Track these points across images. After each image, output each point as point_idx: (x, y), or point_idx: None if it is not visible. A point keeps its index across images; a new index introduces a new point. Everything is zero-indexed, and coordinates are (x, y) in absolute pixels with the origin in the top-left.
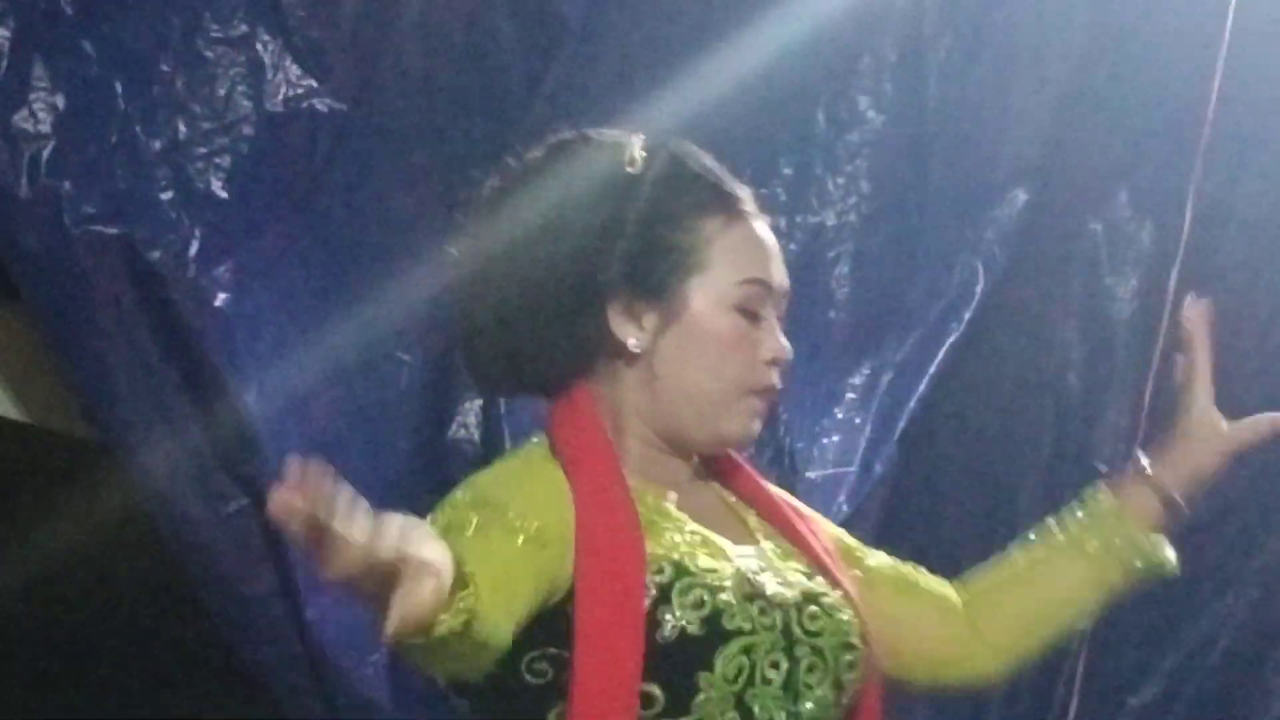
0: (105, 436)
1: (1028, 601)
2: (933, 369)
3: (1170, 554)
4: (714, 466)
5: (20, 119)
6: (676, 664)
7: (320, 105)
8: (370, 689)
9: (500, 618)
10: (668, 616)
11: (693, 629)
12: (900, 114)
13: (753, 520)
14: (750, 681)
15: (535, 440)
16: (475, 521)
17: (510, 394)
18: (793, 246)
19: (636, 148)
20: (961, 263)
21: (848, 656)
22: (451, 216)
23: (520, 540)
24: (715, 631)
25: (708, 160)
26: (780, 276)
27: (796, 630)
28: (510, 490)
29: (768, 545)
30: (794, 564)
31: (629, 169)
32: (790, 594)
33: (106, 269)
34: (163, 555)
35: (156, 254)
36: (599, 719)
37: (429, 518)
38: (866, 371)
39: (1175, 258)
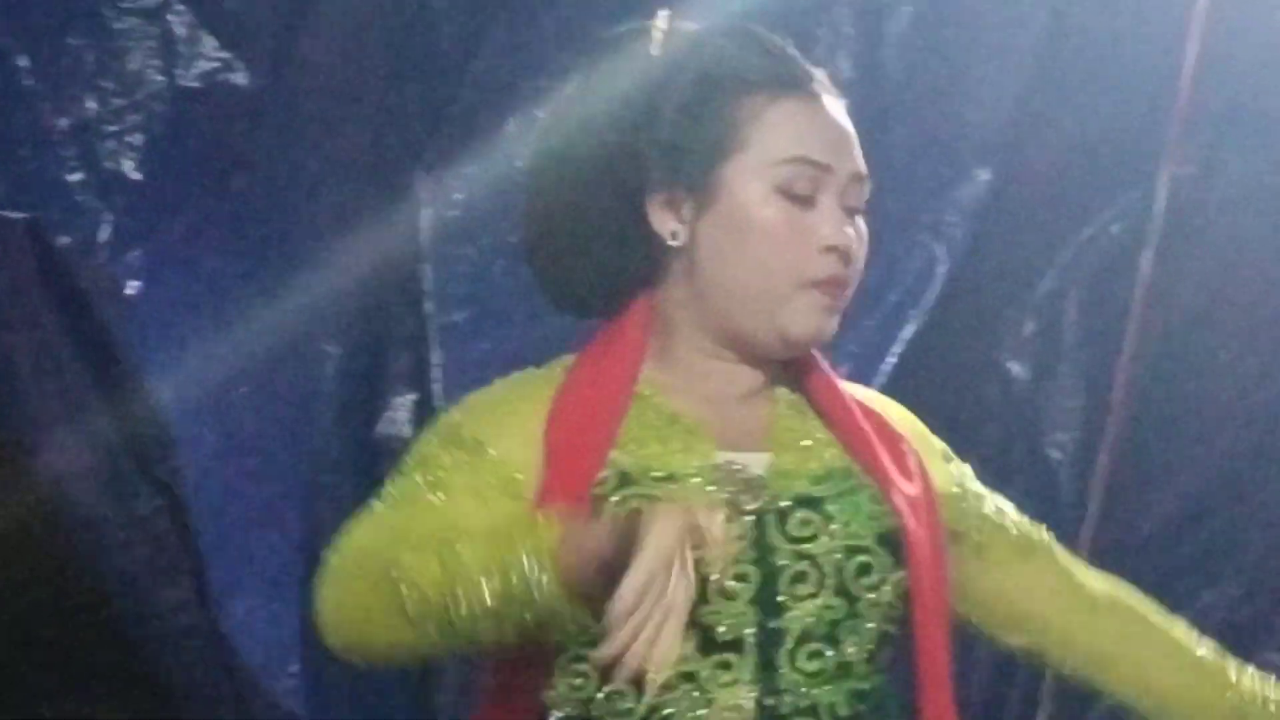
0: (7, 434)
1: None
2: (891, 353)
3: None
4: (798, 375)
5: None
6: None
7: (238, 79)
8: (288, 700)
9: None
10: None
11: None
12: (857, 89)
13: (805, 432)
14: (701, 598)
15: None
16: (443, 464)
17: (581, 313)
18: None
19: (658, 29)
20: (921, 245)
21: (855, 562)
22: (382, 195)
23: (474, 499)
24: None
25: (759, 35)
26: (840, 157)
27: (775, 538)
28: (483, 427)
29: (780, 456)
30: (804, 471)
31: (653, 52)
32: (769, 502)
33: (10, 255)
34: (69, 559)
35: (64, 239)
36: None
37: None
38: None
39: (1147, 240)
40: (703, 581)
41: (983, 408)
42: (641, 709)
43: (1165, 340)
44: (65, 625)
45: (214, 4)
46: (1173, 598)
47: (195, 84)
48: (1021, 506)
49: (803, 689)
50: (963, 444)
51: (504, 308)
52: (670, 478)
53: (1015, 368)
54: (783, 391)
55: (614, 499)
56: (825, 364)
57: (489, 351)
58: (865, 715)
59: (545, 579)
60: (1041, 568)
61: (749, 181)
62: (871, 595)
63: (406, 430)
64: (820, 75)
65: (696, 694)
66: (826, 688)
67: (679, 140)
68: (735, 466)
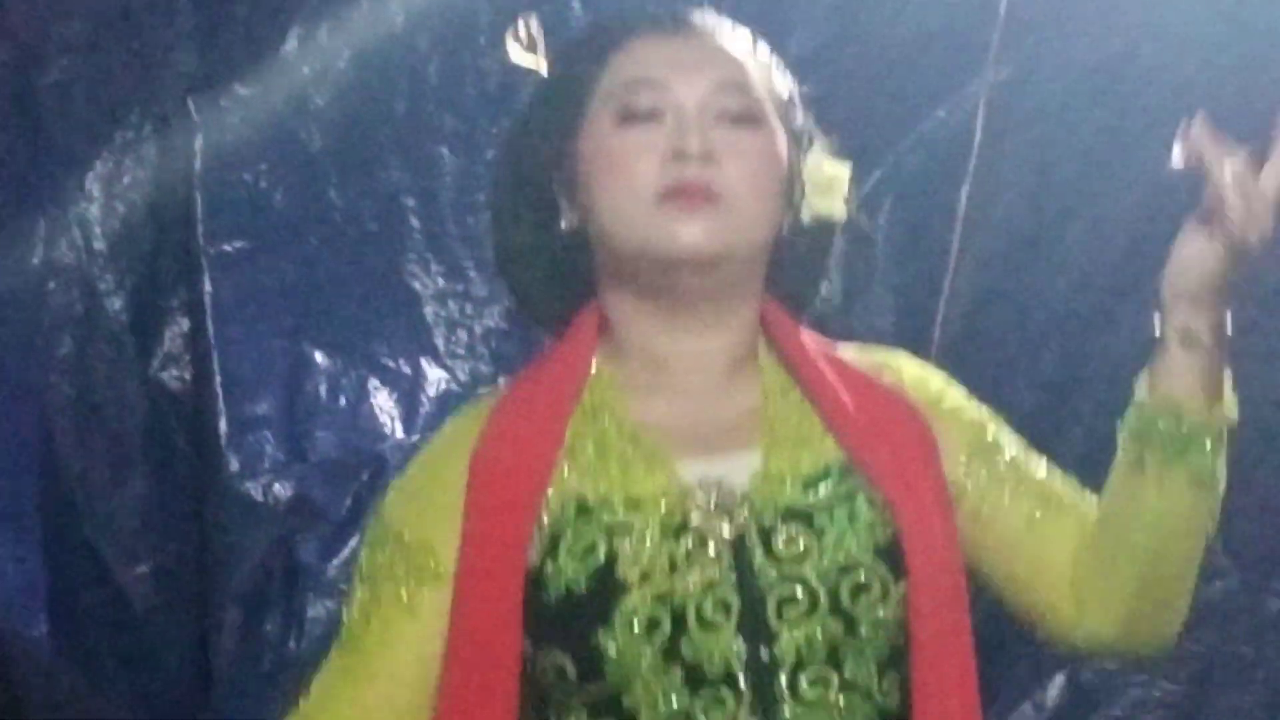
0: None
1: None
2: None
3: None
4: (779, 341)
5: None
6: (568, 627)
7: None
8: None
9: None
10: (553, 572)
11: (577, 586)
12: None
13: (797, 420)
14: (680, 631)
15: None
16: (381, 576)
17: (549, 326)
18: None
19: (515, 35)
20: None
21: (849, 580)
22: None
23: (423, 605)
24: (608, 586)
25: (622, 12)
26: (689, 71)
27: (758, 559)
28: (405, 514)
29: (771, 457)
30: (796, 472)
31: (521, 61)
32: (750, 520)
33: None
34: None
35: None
36: (475, 695)
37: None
38: None
39: (966, 151)
40: (680, 613)
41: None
42: None
43: (987, 250)
44: None
45: None
46: None
47: None
48: None
49: (808, 718)
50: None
51: (274, 236)
52: (632, 504)
53: (825, 285)
54: (771, 370)
55: (570, 533)
56: (803, 332)
57: (262, 282)
58: None
59: None
60: (1063, 528)
61: (595, 125)
62: (871, 615)
63: (182, 362)
64: (698, 13)
65: None
66: (835, 714)
67: (544, 128)
68: (710, 479)
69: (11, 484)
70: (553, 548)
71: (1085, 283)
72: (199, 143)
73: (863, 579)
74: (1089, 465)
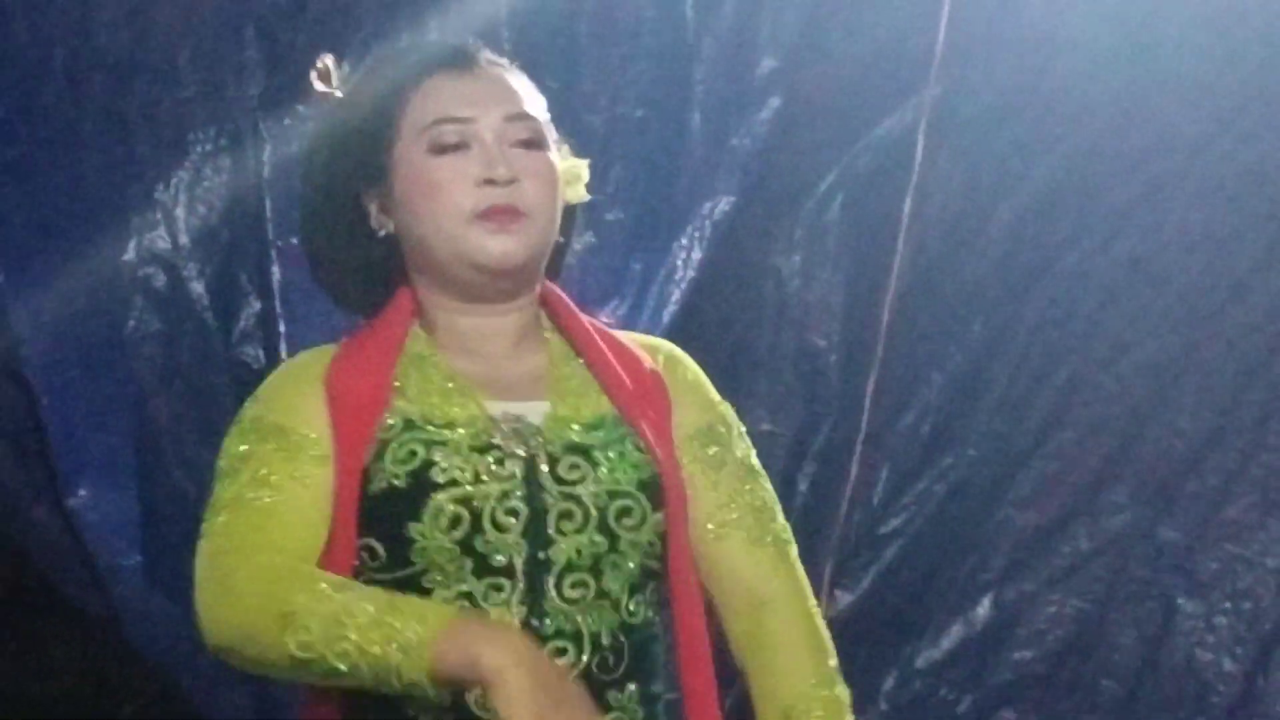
0: None
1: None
2: (693, 270)
3: None
4: (559, 318)
5: None
6: (385, 516)
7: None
8: (132, 581)
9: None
10: (379, 471)
11: (398, 482)
12: (661, 28)
13: (567, 375)
14: (476, 528)
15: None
16: (258, 458)
17: (357, 310)
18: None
19: (316, 73)
20: (725, 161)
21: (616, 504)
22: (226, 134)
23: (292, 480)
24: (422, 484)
25: (416, 42)
26: (486, 107)
27: (545, 479)
28: (278, 410)
29: (557, 406)
30: (579, 418)
31: (321, 90)
32: (542, 444)
33: None
34: None
35: None
36: (330, 567)
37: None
38: (639, 268)
39: (911, 155)
40: (478, 515)
41: (759, 307)
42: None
43: (928, 244)
44: None
45: None
46: (930, 463)
47: None
48: (793, 391)
49: (564, 614)
50: (742, 338)
51: None
52: (449, 425)
53: (786, 269)
54: (555, 341)
55: (396, 442)
56: (582, 314)
57: None
58: (628, 649)
59: (419, 659)
60: (762, 558)
61: (408, 154)
62: (631, 535)
63: (256, 338)
64: (480, 52)
65: (468, 609)
66: (590, 616)
67: (355, 151)
68: (510, 414)
69: (112, 439)
70: (381, 453)
71: (1007, 264)
72: (267, 154)
73: (627, 505)
74: (1008, 410)
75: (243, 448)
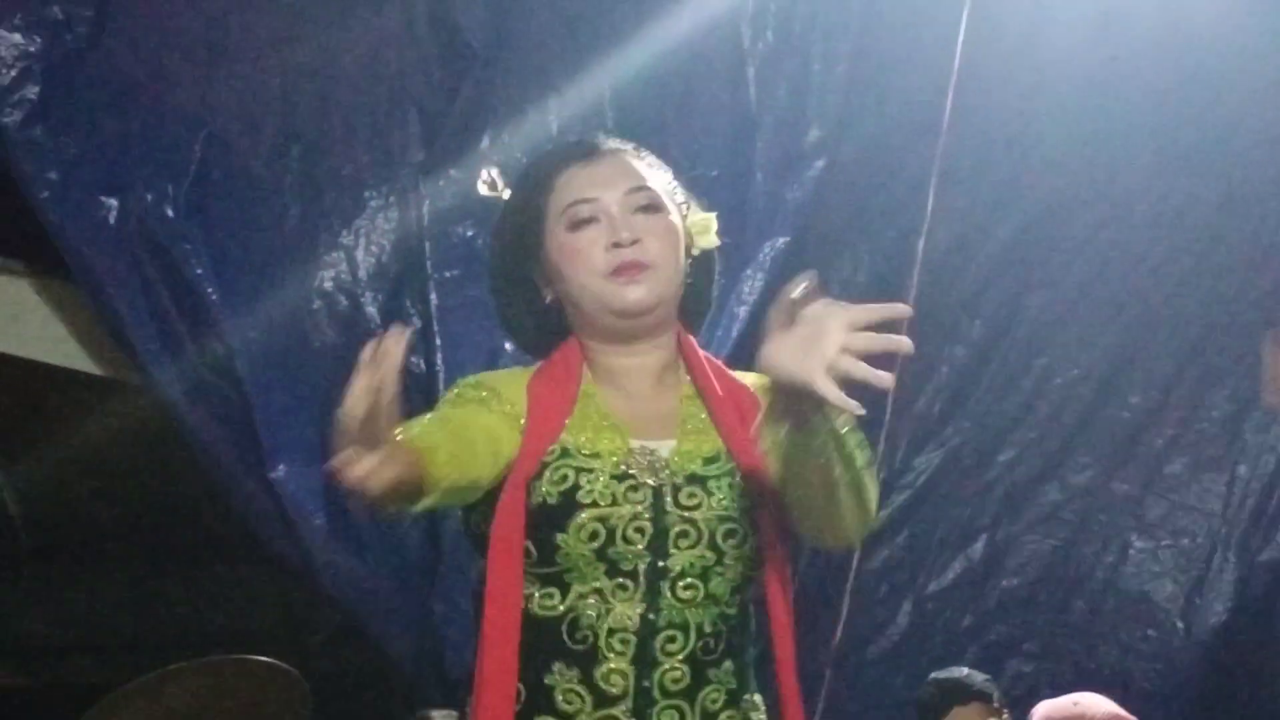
0: (132, 371)
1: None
2: (756, 295)
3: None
4: (689, 362)
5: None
6: (541, 525)
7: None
8: (318, 539)
9: (448, 469)
10: (538, 488)
11: (551, 498)
12: (730, 107)
13: (696, 415)
14: (610, 542)
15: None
16: (467, 397)
17: (533, 353)
18: None
19: (492, 184)
20: (781, 210)
21: (724, 527)
22: (395, 191)
23: (487, 413)
24: (570, 502)
25: (557, 143)
26: (607, 186)
27: (669, 504)
28: (494, 383)
29: (683, 443)
30: (700, 454)
31: (489, 194)
32: (669, 476)
33: (125, 237)
34: (179, 449)
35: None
36: (498, 560)
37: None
38: (715, 294)
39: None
40: (612, 531)
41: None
42: (563, 608)
43: (936, 264)
44: (172, 495)
45: None
46: (936, 435)
47: None
48: None
49: (676, 610)
50: None
51: (478, 268)
52: (595, 455)
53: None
54: (686, 384)
55: (553, 466)
56: (707, 360)
57: (475, 297)
58: (725, 634)
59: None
60: None
61: (554, 232)
62: (735, 551)
63: (417, 349)
64: (605, 143)
65: (601, 604)
66: (696, 611)
67: (521, 244)
68: (646, 449)
69: (304, 427)
70: (541, 472)
71: (1000, 279)
72: (426, 207)
73: (733, 528)
74: (998, 391)
75: (453, 393)
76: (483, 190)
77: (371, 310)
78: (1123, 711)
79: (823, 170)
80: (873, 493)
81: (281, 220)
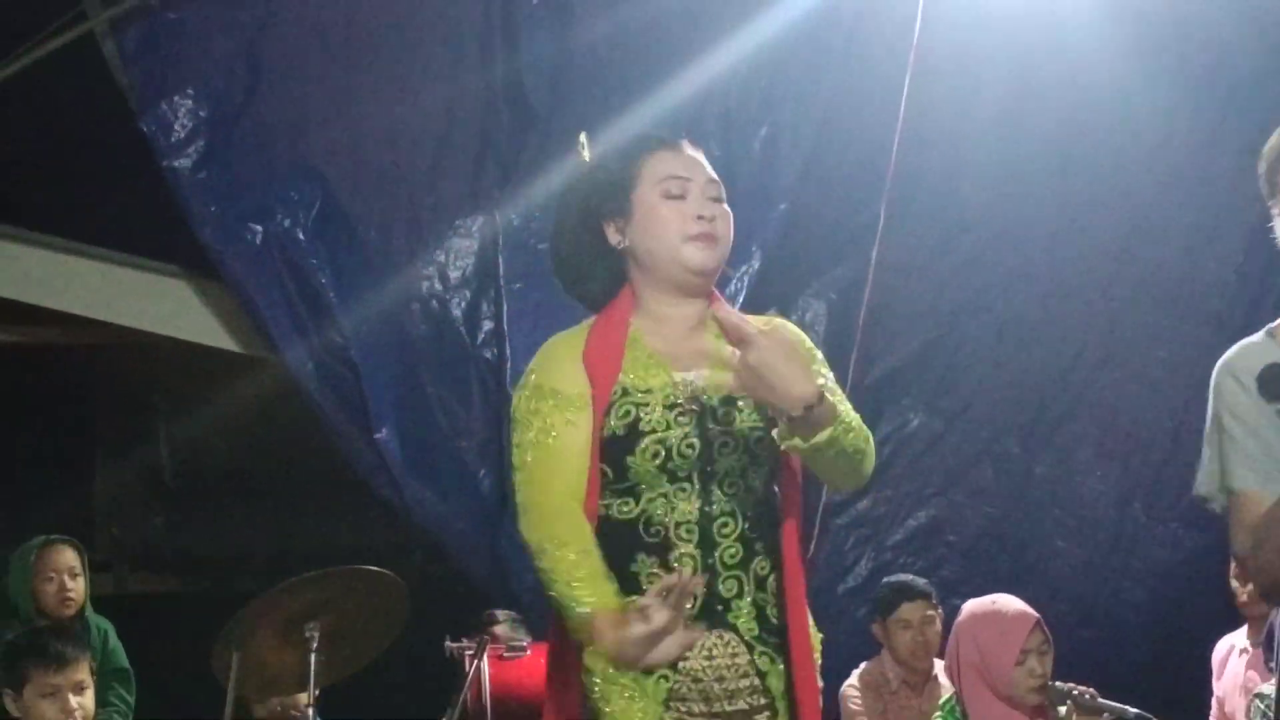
0: (268, 352)
1: None
2: (739, 305)
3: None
4: (718, 311)
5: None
6: (613, 452)
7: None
8: (418, 482)
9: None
10: (608, 422)
11: (619, 430)
12: (719, 156)
13: (722, 351)
14: (669, 458)
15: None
16: (544, 413)
17: (590, 304)
18: None
19: (581, 147)
20: (756, 236)
21: (756, 435)
22: (478, 215)
23: (566, 426)
24: (634, 431)
25: (645, 131)
26: (695, 172)
27: (710, 424)
28: (553, 382)
29: (714, 373)
30: (728, 381)
31: (584, 157)
32: (708, 401)
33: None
34: (301, 422)
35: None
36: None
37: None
38: None
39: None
40: (669, 449)
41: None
42: (637, 511)
43: (891, 280)
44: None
45: None
46: (889, 421)
47: None
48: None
49: (724, 501)
50: None
51: (545, 278)
52: (648, 390)
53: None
54: (712, 325)
55: (617, 404)
56: (729, 306)
57: (537, 302)
58: (760, 517)
59: (583, 626)
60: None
61: (647, 196)
62: (763, 454)
63: (491, 344)
64: (684, 142)
65: (665, 503)
66: (740, 501)
67: (606, 194)
68: (687, 380)
69: (403, 400)
70: (609, 409)
71: (948, 293)
72: (500, 233)
73: (760, 435)
74: (947, 386)
75: (532, 405)
76: (578, 148)
77: (457, 312)
78: (1033, 610)
79: (786, 210)
80: (869, 461)
81: (387, 241)
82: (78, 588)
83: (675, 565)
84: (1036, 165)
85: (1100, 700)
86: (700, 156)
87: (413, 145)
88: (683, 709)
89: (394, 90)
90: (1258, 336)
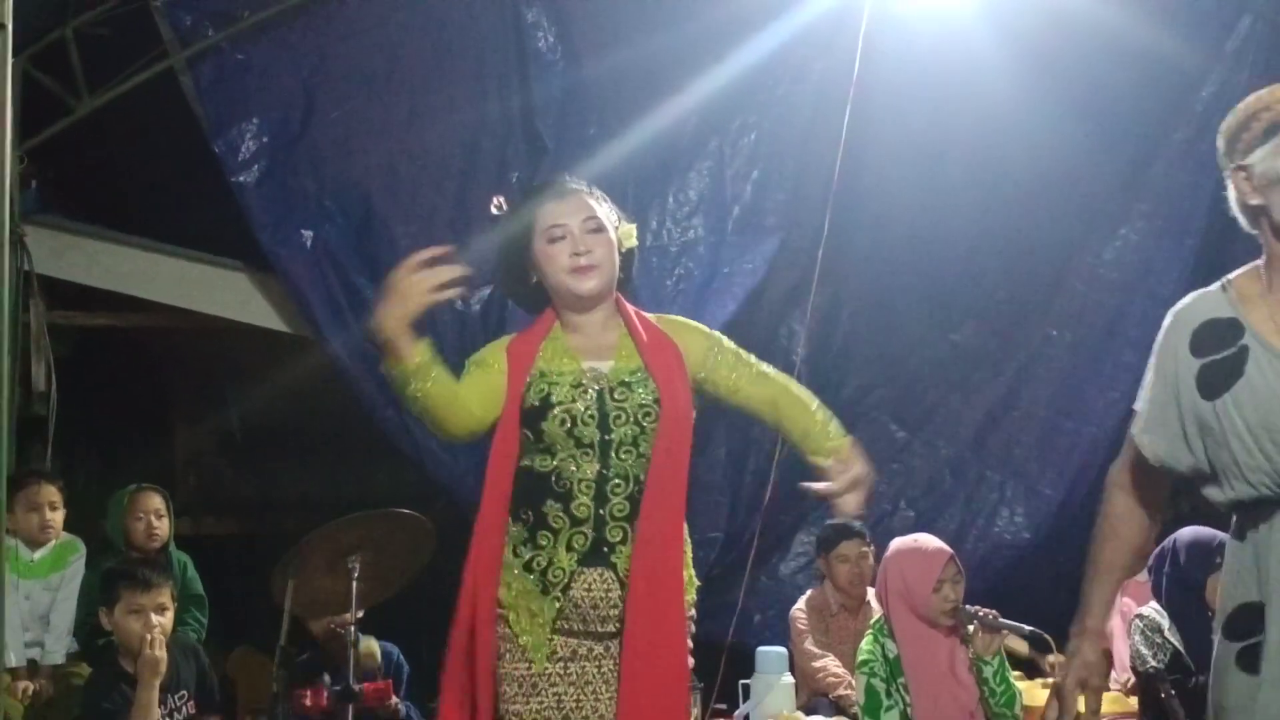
0: (315, 337)
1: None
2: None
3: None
4: (622, 314)
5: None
6: (531, 419)
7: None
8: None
9: (452, 403)
10: (527, 396)
11: (535, 403)
12: (711, 188)
13: (627, 345)
14: (574, 425)
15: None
16: (468, 370)
17: (530, 311)
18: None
19: (494, 204)
20: (749, 269)
21: (643, 410)
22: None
23: (479, 370)
24: (547, 403)
25: (549, 180)
26: (572, 215)
27: (608, 399)
28: (482, 356)
29: (618, 363)
30: (627, 369)
31: (497, 213)
32: (606, 383)
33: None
34: (345, 391)
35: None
36: (503, 447)
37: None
38: (708, 322)
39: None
40: (575, 418)
41: (769, 330)
42: (551, 466)
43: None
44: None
45: None
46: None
47: None
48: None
49: (619, 466)
50: (754, 338)
51: None
52: (559, 373)
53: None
54: (617, 324)
55: (534, 383)
56: (632, 310)
57: None
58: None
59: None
60: (767, 385)
61: (538, 244)
62: (651, 425)
63: (499, 333)
64: (569, 185)
65: (573, 462)
66: (631, 465)
67: (518, 245)
68: (593, 368)
69: None
70: (529, 387)
71: (894, 294)
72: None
73: (648, 409)
74: (903, 380)
75: (471, 360)
76: (494, 210)
77: (476, 308)
78: (947, 547)
79: (777, 245)
80: (837, 439)
81: (418, 247)
82: (162, 526)
83: (575, 513)
84: (951, 211)
85: (1001, 620)
86: (582, 194)
87: (441, 167)
88: (567, 626)
89: (426, 121)
90: (1214, 288)
